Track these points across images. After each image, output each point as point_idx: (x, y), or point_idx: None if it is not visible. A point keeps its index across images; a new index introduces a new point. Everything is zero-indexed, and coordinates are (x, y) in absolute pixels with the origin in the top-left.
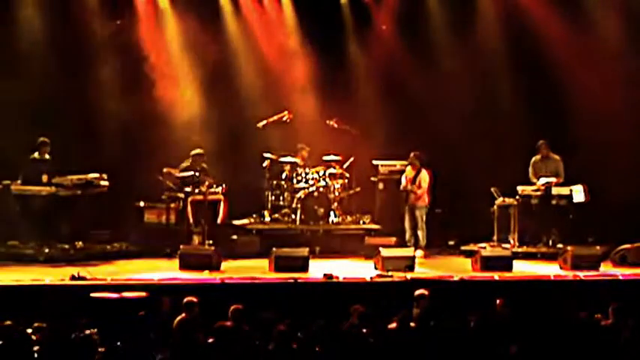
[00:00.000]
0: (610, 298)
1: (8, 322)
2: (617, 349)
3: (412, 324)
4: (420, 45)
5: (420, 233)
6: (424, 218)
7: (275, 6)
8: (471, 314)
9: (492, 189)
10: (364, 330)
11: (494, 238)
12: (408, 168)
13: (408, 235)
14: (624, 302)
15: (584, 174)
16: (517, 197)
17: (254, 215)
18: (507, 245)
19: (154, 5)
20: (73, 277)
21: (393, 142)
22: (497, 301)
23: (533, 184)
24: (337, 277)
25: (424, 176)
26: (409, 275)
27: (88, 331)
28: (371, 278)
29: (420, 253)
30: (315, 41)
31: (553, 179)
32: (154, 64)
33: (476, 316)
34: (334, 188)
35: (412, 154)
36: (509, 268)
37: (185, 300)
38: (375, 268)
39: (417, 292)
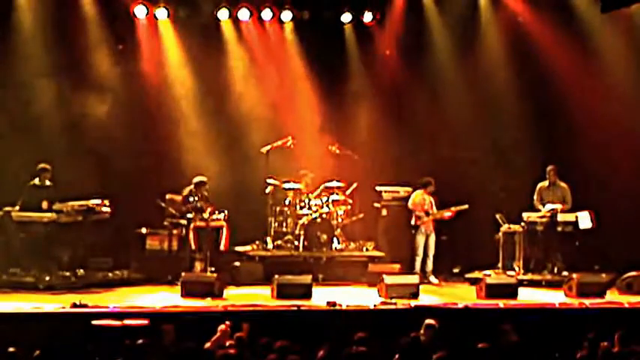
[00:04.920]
0: (616, 326)
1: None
2: None
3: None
4: (423, 70)
5: (430, 261)
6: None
7: (277, 30)
8: (478, 342)
9: (497, 215)
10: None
11: (499, 265)
12: (421, 193)
13: (420, 262)
14: (630, 330)
15: (590, 200)
16: (522, 224)
17: (257, 242)
18: (512, 272)
19: (156, 30)
20: (74, 305)
21: (397, 168)
22: (505, 327)
23: (538, 210)
24: (340, 305)
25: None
26: (413, 303)
27: None
28: (374, 306)
29: (435, 280)
30: (318, 66)
31: (559, 206)
32: (156, 89)
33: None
34: (337, 215)
35: (432, 181)
36: (515, 296)
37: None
38: (379, 296)
39: (426, 322)
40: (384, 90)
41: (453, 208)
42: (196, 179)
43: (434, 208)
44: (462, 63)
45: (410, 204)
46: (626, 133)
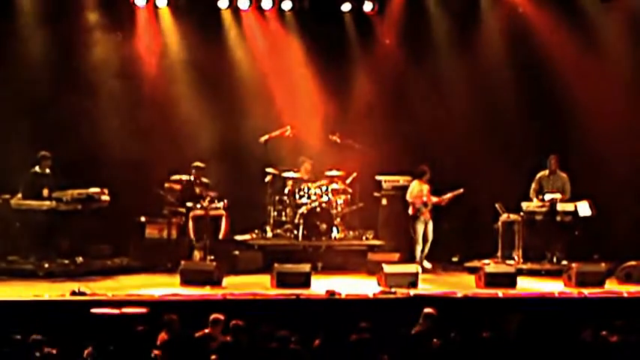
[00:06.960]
0: (615, 315)
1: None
2: None
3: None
4: (423, 59)
5: (427, 247)
6: None
7: (277, 19)
8: (479, 331)
9: (496, 205)
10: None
11: (499, 254)
12: (418, 184)
13: (420, 250)
14: (629, 320)
15: (590, 190)
16: (521, 213)
17: (256, 230)
18: (511, 262)
19: (156, 18)
20: (73, 293)
21: (397, 158)
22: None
23: (531, 200)
24: (340, 294)
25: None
26: (412, 292)
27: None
28: (374, 295)
29: (428, 265)
30: (317, 55)
31: (558, 195)
32: (155, 78)
33: (485, 333)
34: (337, 204)
35: (427, 169)
36: (514, 285)
37: (211, 317)
38: (378, 285)
39: (425, 311)
40: (384, 79)
41: (449, 194)
42: (194, 164)
43: (430, 196)
44: (462, 52)
45: (408, 196)
46: (627, 122)
